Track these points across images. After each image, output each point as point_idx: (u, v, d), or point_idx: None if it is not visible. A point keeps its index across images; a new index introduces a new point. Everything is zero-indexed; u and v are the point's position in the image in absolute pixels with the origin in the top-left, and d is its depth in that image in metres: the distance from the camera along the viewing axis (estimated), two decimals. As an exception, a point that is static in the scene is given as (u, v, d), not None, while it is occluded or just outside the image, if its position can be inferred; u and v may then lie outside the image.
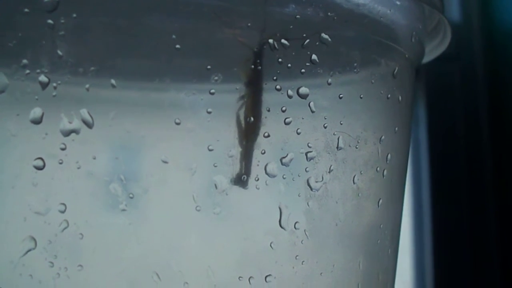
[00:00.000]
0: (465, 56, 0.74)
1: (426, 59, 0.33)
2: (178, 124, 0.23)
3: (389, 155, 0.28)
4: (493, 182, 0.69)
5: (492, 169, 0.69)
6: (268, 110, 0.24)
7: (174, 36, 0.23)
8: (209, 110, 0.23)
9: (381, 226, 0.28)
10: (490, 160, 0.70)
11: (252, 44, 0.24)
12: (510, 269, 0.66)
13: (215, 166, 0.23)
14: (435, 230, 0.67)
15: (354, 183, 0.26)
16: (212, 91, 0.23)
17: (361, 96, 0.26)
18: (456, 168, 0.69)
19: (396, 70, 0.28)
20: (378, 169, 0.27)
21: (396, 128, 0.28)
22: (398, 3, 0.27)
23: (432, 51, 0.32)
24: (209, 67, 0.23)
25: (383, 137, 0.27)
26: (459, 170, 0.69)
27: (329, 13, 0.25)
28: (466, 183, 0.70)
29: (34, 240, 0.22)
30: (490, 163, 0.70)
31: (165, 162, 0.23)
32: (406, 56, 0.29)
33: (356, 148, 0.26)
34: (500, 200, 0.68)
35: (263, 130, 0.24)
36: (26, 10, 0.22)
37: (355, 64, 0.26)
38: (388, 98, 0.27)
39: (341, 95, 0.25)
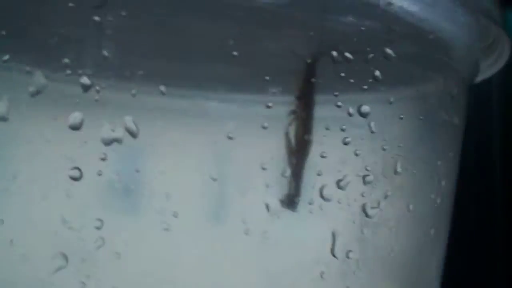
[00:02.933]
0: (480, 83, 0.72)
1: (479, 78, 0.31)
2: (230, 139, 0.21)
3: (443, 182, 0.26)
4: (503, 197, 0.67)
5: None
6: (327, 129, 0.22)
7: (231, 42, 0.21)
8: (265, 125, 0.21)
9: (431, 257, 0.26)
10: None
11: (306, 56, 0.22)
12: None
13: (267, 187, 0.21)
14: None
15: (409, 210, 0.24)
16: (270, 104, 0.21)
17: (421, 117, 0.25)
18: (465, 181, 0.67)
19: (455, 91, 0.26)
20: (432, 196, 0.25)
21: (451, 154, 0.26)
22: (462, 19, 0.25)
23: (486, 70, 0.31)
24: (267, 78, 0.21)
25: (439, 162, 0.25)
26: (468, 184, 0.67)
27: (392, 27, 0.23)
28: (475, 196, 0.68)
29: (66, 257, 0.20)
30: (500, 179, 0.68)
31: (214, 179, 0.21)
32: (464, 76, 0.27)
33: (413, 173, 0.24)
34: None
35: (320, 149, 0.22)
36: (71, 4, 0.20)
37: (417, 83, 0.24)
38: (446, 120, 0.26)
39: (401, 116, 0.24)
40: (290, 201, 0.22)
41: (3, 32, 0.20)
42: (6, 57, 0.20)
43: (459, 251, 0.62)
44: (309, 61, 0.23)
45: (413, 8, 0.24)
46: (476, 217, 0.64)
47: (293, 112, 0.23)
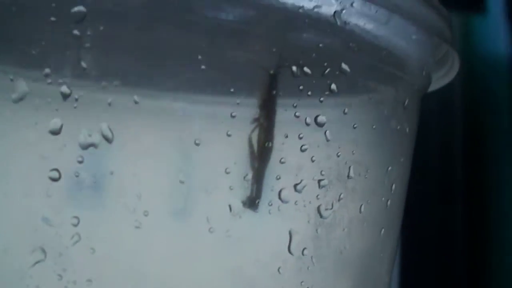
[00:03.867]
0: (443, 87, 0.73)
1: (430, 89, 0.33)
2: (197, 145, 0.23)
3: (393, 185, 0.28)
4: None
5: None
6: (286, 137, 0.24)
7: (199, 57, 0.23)
8: (229, 133, 0.23)
9: (381, 255, 0.28)
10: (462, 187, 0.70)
11: (269, 67, 0.24)
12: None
13: (231, 189, 0.23)
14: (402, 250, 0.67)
15: (360, 212, 0.26)
16: (234, 114, 0.23)
17: (374, 126, 0.27)
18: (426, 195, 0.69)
19: (406, 102, 0.28)
20: (383, 198, 0.27)
21: (402, 159, 0.29)
22: (414, 37, 0.28)
23: (437, 81, 0.33)
24: (232, 90, 0.23)
25: (390, 167, 0.28)
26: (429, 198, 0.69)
27: (349, 44, 0.25)
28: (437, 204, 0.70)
29: (44, 251, 0.22)
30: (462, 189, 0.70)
31: (182, 182, 0.23)
32: (416, 88, 0.29)
33: (365, 178, 0.26)
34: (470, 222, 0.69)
35: (279, 156, 0.24)
36: (52, 18, 0.22)
37: (370, 95, 0.26)
38: (397, 129, 0.28)
39: (355, 125, 0.26)
40: (252, 202, 0.24)
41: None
42: (-10, 67, 0.22)
43: (421, 246, 0.64)
44: (271, 72, 0.25)
45: (368, 26, 0.26)
46: (439, 215, 0.66)
47: (255, 120, 0.25)
